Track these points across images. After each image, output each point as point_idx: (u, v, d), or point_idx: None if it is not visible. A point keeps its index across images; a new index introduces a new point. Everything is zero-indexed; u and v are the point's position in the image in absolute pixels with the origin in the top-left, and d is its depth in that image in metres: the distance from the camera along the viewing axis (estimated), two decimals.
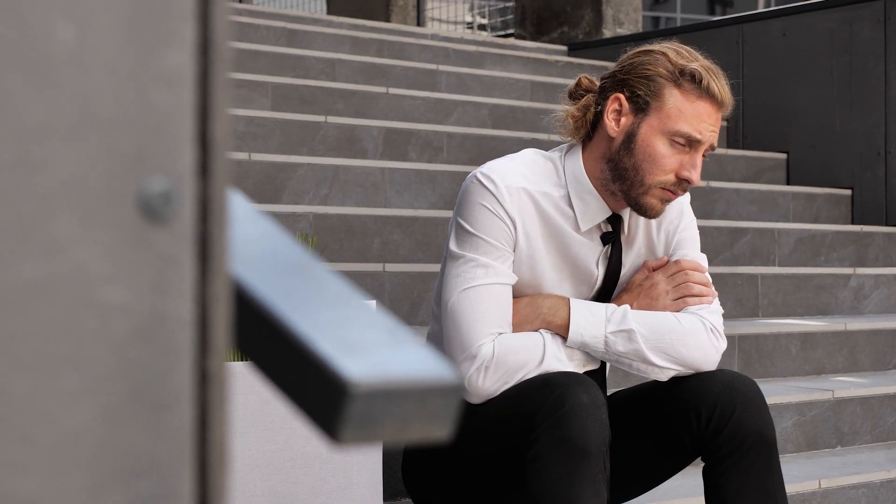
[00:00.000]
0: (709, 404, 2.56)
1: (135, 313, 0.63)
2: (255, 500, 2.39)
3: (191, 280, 0.65)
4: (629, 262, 2.72)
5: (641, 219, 2.72)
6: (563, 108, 2.68)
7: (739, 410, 2.54)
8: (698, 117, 2.54)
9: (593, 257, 2.67)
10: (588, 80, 2.73)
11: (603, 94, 2.63)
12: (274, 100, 5.41)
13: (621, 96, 2.59)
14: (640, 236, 2.74)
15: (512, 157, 2.70)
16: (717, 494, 2.57)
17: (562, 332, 2.59)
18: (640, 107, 2.57)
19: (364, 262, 4.23)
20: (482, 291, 2.57)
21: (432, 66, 6.42)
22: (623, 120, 2.59)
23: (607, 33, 7.79)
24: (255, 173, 4.51)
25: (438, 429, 0.68)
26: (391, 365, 0.67)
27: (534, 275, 2.63)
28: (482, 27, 14.01)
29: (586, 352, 2.62)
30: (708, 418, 2.56)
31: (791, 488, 3.41)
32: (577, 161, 2.65)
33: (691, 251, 2.75)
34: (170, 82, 0.64)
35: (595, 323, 2.58)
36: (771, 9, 6.84)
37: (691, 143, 2.54)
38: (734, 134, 6.78)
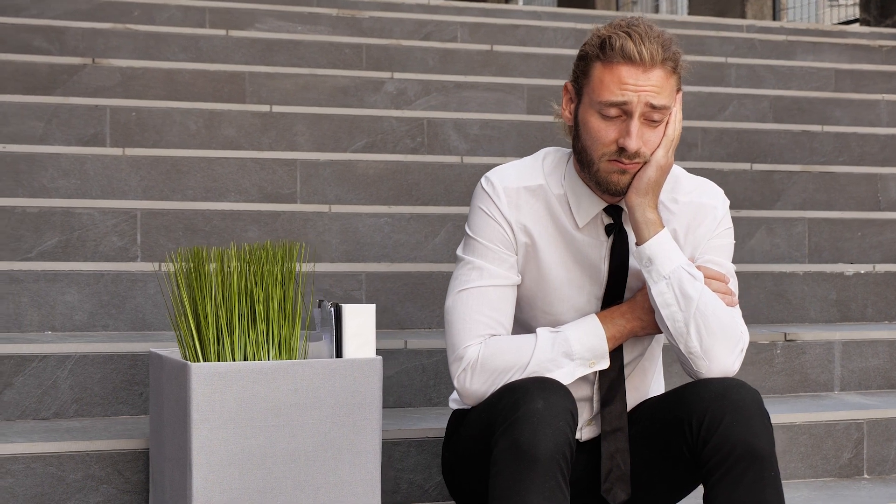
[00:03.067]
0: (699, 413, 2.45)
1: None
2: (233, 493, 2.52)
3: None
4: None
5: (663, 219, 2.62)
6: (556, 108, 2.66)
7: (728, 420, 2.41)
8: (619, 82, 2.46)
9: (599, 254, 2.61)
10: None
11: None
12: (530, 102, 5.48)
13: (569, 84, 2.58)
14: None
15: (525, 159, 2.69)
16: None
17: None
18: (579, 90, 2.55)
19: None
20: (474, 294, 2.58)
21: (720, 59, 6.25)
22: (571, 106, 2.58)
23: None
24: (467, 176, 4.62)
25: None
26: None
27: (540, 273, 2.61)
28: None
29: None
30: (698, 428, 2.44)
31: None
32: (573, 158, 2.63)
33: (718, 258, 2.63)
34: None
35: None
36: None
37: (625, 111, 2.47)
38: None
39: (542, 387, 2.41)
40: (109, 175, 4.26)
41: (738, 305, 2.61)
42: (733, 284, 2.64)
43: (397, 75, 5.35)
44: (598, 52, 2.51)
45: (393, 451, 3.07)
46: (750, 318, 4.11)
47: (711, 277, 2.58)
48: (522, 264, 2.62)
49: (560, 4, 11.96)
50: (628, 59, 2.47)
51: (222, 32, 5.55)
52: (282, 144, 4.79)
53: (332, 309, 2.64)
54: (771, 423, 2.45)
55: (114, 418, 3.19)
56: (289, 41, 5.62)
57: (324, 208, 4.10)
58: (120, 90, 4.98)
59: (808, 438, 3.39)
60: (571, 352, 2.55)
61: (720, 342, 2.51)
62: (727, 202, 2.71)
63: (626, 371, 2.69)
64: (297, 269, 2.63)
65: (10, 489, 2.82)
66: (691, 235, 2.65)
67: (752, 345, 3.73)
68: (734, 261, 2.71)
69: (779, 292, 4.16)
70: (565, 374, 2.54)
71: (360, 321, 2.64)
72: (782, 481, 3.30)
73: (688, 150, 5.27)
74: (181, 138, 4.68)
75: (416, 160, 4.58)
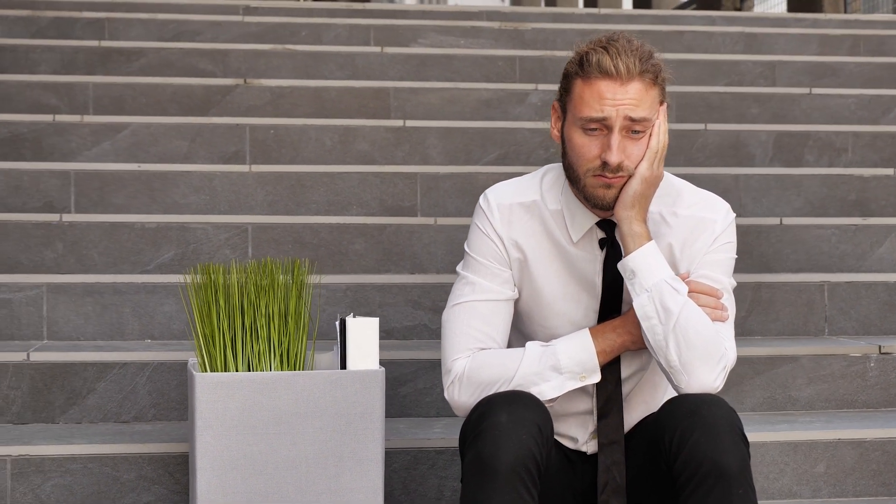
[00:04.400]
0: (671, 430, 2.45)
1: None
2: (236, 497, 2.66)
3: None
4: None
5: (664, 232, 2.63)
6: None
7: (696, 437, 2.40)
8: (598, 98, 2.49)
9: (594, 268, 2.63)
10: None
11: None
12: (677, 110, 5.44)
13: (555, 103, 2.62)
14: (664, 251, 2.64)
15: (527, 175, 2.74)
16: None
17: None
18: (563, 107, 2.59)
19: None
20: (466, 308, 2.64)
21: (891, 60, 6.02)
22: (559, 125, 2.61)
23: None
24: None
25: None
26: None
27: (535, 288, 2.66)
28: None
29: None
30: (669, 444, 2.44)
31: None
32: None
33: (713, 273, 2.61)
34: None
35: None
36: None
37: (605, 125, 2.49)
38: None
39: (509, 400, 2.45)
40: (237, 191, 4.49)
41: (729, 322, 2.58)
42: (728, 300, 2.61)
43: (541, 86, 5.41)
44: (577, 69, 2.54)
45: (437, 459, 3.15)
46: (861, 328, 4.00)
47: (702, 292, 2.57)
48: (518, 279, 2.66)
49: (790, 9, 11.72)
50: (605, 74, 2.49)
51: (377, 49, 5.74)
52: (414, 158, 4.93)
53: (338, 322, 2.75)
54: (744, 441, 2.41)
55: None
56: (442, 56, 5.75)
57: (430, 221, 4.20)
58: (270, 108, 5.22)
59: (881, 455, 3.28)
60: (560, 365, 2.57)
61: (699, 358, 2.49)
62: (731, 217, 2.68)
63: (630, 384, 2.69)
64: (308, 283, 2.75)
65: (69, 487, 3.05)
66: (688, 250, 2.64)
67: (843, 357, 3.64)
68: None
69: (893, 303, 4.01)
70: (553, 388, 2.57)
71: (363, 334, 2.74)
72: (853, 498, 3.24)
73: (837, 156, 5.12)
74: (317, 154, 4.88)
75: None
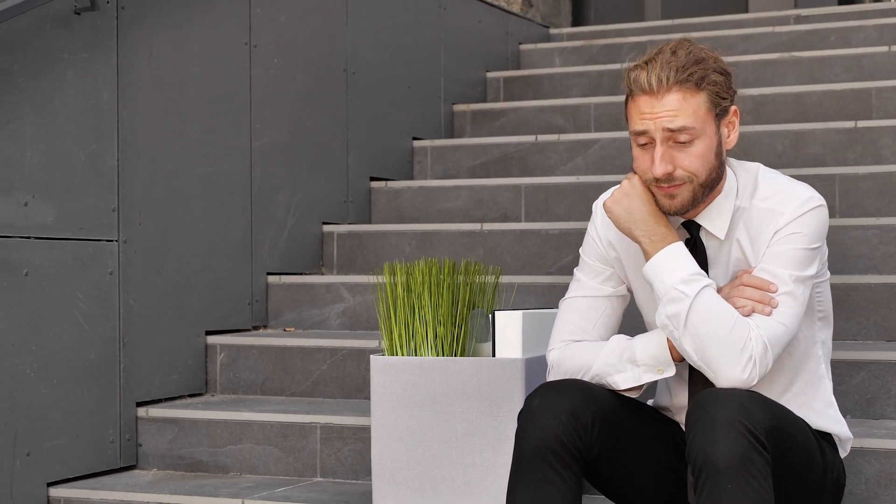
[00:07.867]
0: (685, 423, 2.52)
1: None
2: (399, 464, 3.08)
3: None
4: (720, 269, 2.68)
5: (739, 227, 2.67)
6: None
7: (695, 431, 2.48)
8: (637, 113, 2.62)
9: None
10: None
11: None
12: None
13: None
14: (735, 246, 2.68)
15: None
16: None
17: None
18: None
19: None
20: (568, 304, 2.88)
21: None
22: None
23: None
24: None
25: None
26: None
27: (632, 288, 2.82)
28: None
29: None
30: (684, 437, 2.51)
31: None
32: None
33: (772, 265, 2.61)
34: None
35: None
36: None
37: (650, 138, 2.61)
38: None
39: (549, 387, 2.64)
40: None
41: (780, 313, 2.55)
42: (785, 293, 2.57)
43: None
44: (626, 87, 2.66)
45: None
46: None
47: (751, 285, 2.58)
48: (624, 279, 2.82)
49: None
50: (641, 89, 2.60)
51: (884, 49, 5.60)
52: (867, 159, 4.83)
53: (490, 316, 3.07)
54: (750, 437, 2.39)
55: None
56: None
57: (846, 221, 4.18)
58: (749, 118, 5.37)
59: None
60: (636, 358, 2.70)
61: (717, 354, 2.52)
62: (805, 208, 2.63)
63: None
64: (475, 282, 3.11)
65: (361, 452, 3.64)
66: (755, 243, 2.65)
67: None
68: None
69: None
70: (626, 378, 2.71)
71: (509, 326, 3.04)
72: None
73: None
74: (767, 159, 4.95)
75: None
